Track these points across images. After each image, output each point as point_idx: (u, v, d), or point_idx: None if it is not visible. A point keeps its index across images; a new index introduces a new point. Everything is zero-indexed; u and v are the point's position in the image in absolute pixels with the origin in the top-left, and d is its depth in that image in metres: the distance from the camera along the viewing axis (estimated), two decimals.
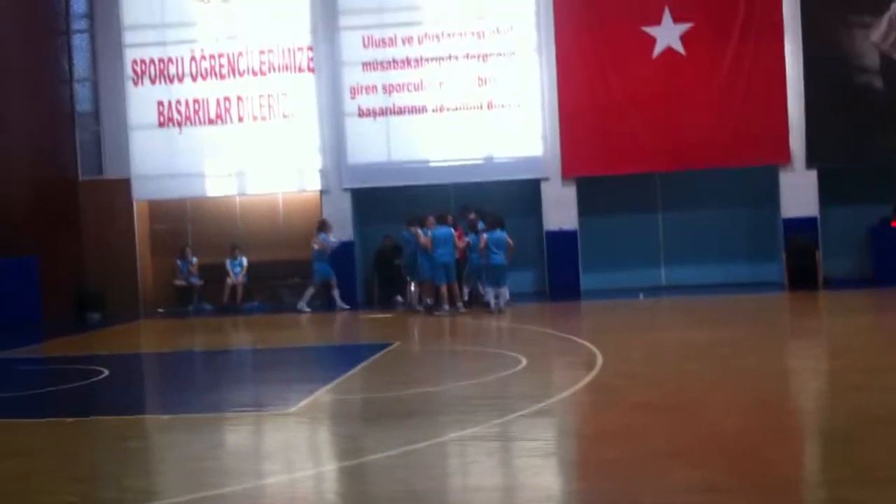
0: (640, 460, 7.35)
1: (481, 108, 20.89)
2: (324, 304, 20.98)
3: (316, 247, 20.13)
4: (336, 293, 20.25)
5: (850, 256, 20.60)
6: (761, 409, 9.02)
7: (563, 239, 20.72)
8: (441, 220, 18.52)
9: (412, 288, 19.45)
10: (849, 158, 20.08)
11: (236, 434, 9.32)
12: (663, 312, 18.22)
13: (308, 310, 19.97)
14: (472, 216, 19.12)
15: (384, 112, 21.15)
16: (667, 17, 20.33)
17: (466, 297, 18.96)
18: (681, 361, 11.76)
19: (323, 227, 20.29)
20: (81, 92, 22.57)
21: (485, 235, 18.16)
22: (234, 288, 21.51)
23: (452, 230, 18.45)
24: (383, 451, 7.96)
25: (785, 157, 20.22)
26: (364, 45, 21.15)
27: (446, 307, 18.17)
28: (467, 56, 20.90)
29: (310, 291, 20.16)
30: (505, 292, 18.22)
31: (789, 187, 20.28)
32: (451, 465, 7.83)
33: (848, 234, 20.58)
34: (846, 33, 19.95)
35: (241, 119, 21.61)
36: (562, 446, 8.32)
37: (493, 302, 18.03)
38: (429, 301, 18.60)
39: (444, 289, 18.26)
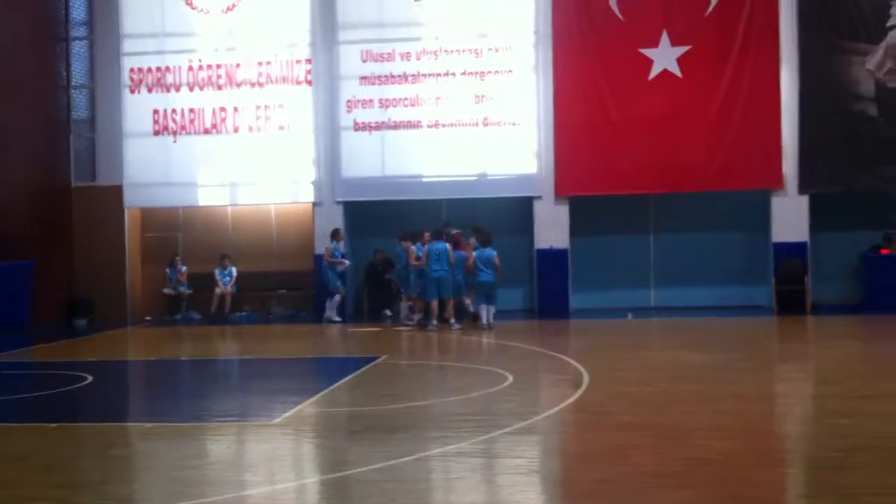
0: (626, 480, 7.32)
1: (477, 125, 20.90)
2: (311, 314, 20.97)
3: (325, 255, 20.16)
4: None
5: (841, 282, 20.59)
6: (748, 432, 8.99)
7: (553, 257, 20.69)
8: (437, 236, 18.58)
9: (404, 301, 19.46)
10: (841, 185, 20.11)
11: (219, 444, 9.27)
12: (652, 333, 18.20)
13: (338, 319, 19.83)
14: (456, 233, 19.14)
15: (380, 126, 21.14)
16: (664, 39, 20.39)
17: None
18: (668, 382, 11.73)
19: (334, 235, 20.29)
20: (78, 98, 22.52)
21: (474, 253, 18.24)
22: (222, 297, 21.45)
23: (448, 245, 18.45)
24: (366, 465, 7.93)
25: (778, 182, 20.25)
26: (362, 60, 21.16)
27: (434, 322, 18.13)
28: (464, 73, 20.93)
29: (336, 300, 20.08)
30: (491, 309, 18.26)
31: (781, 212, 20.31)
32: (434, 480, 7.79)
33: (839, 261, 20.59)
34: (842, 60, 20.02)
35: (236, 129, 21.59)
36: (546, 465, 8.29)
37: (483, 318, 18.07)
38: (417, 316, 18.59)
39: (434, 304, 18.25)
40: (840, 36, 20.01)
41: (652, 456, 8.06)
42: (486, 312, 18.10)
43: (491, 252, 18.15)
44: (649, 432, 8.94)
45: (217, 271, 21.45)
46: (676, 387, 11.43)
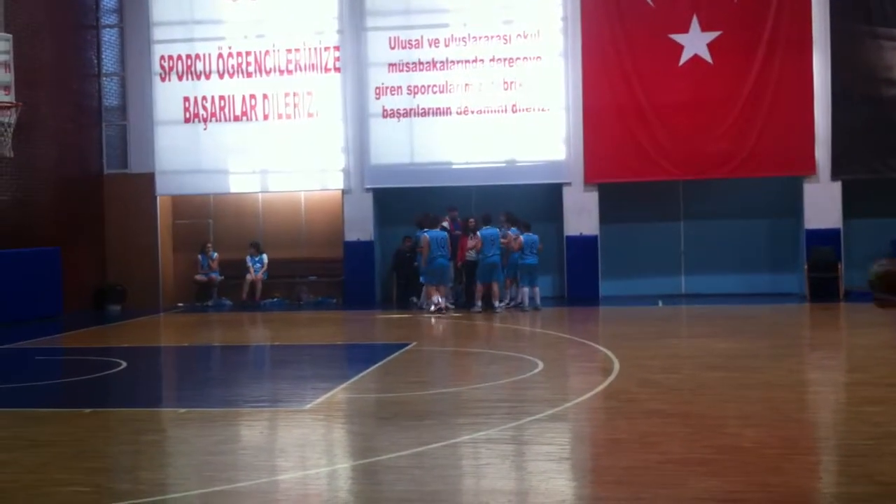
0: (655, 468, 7.33)
1: (505, 111, 20.87)
2: (340, 301, 21.11)
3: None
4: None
5: None
6: (779, 420, 8.95)
7: (583, 244, 20.67)
8: (486, 221, 18.94)
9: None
10: (874, 171, 19.92)
11: (251, 429, 9.36)
12: (682, 321, 18.14)
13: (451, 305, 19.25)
14: (472, 220, 19.41)
15: (408, 113, 21.17)
16: (695, 25, 20.25)
17: (450, 299, 19.33)
18: (698, 370, 11.70)
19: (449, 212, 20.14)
20: (109, 86, 22.69)
21: (521, 237, 18.84)
22: (253, 284, 21.58)
23: (497, 230, 18.80)
24: (397, 451, 7.97)
25: (810, 168, 20.09)
26: (390, 47, 21.18)
27: (478, 304, 18.71)
28: (493, 59, 20.89)
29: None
30: (536, 290, 18.95)
31: (813, 199, 20.14)
32: (464, 466, 7.83)
33: (871, 247, 20.35)
34: (874, 46, 19.80)
35: (266, 117, 21.68)
36: (576, 452, 8.30)
37: (527, 300, 18.84)
38: (430, 301, 18.83)
39: (480, 288, 18.82)
40: (872, 21, 19.79)
41: (681, 444, 8.05)
42: (526, 296, 18.83)
43: (535, 237, 18.88)
44: (678, 420, 8.93)
45: (248, 258, 21.59)
46: (706, 374, 11.40)
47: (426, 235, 18.80)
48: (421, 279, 19.43)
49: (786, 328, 16.42)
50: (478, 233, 18.85)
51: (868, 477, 6.96)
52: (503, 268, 19.05)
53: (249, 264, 21.60)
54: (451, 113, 21.02)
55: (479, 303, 18.81)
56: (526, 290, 18.91)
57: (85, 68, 22.16)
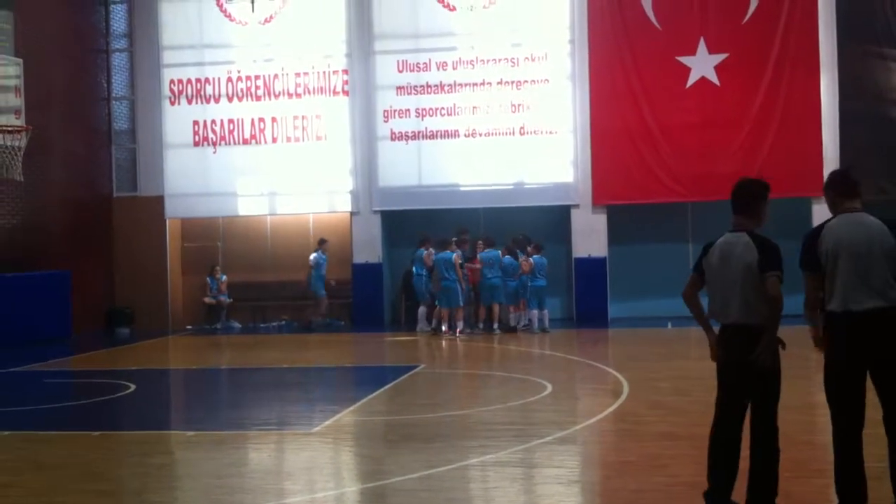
0: (664, 490, 7.31)
1: (513, 133, 20.92)
2: (349, 323, 21.10)
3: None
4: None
5: None
6: (788, 442, 8.86)
7: (591, 266, 20.65)
8: (422, 243, 19.21)
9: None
10: (882, 192, 19.86)
11: (259, 452, 9.36)
12: (691, 342, 18.03)
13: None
14: (479, 242, 19.52)
15: (416, 136, 21.24)
16: (702, 47, 20.30)
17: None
18: (708, 392, 11.58)
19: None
20: (119, 110, 22.84)
21: (531, 259, 18.83)
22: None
23: (424, 252, 19.05)
24: (405, 474, 7.96)
25: (818, 188, 20.01)
26: (398, 70, 21.28)
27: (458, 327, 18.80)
28: (501, 82, 20.96)
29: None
30: (545, 313, 19.04)
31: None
32: (472, 489, 7.81)
33: None
34: (882, 66, 19.82)
35: (274, 140, 21.77)
36: (585, 474, 8.28)
37: (535, 323, 18.83)
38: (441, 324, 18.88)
39: (460, 311, 18.91)
40: (879, 43, 19.82)
41: (690, 466, 8.01)
42: (535, 318, 18.85)
43: (545, 260, 19.01)
44: (688, 442, 8.89)
45: (315, 255, 21.09)
46: (715, 397, 11.32)
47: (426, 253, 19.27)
48: (436, 302, 19.35)
49: (795, 349, 16.15)
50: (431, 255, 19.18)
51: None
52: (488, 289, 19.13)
53: (314, 261, 21.01)
54: (458, 135, 21.08)
55: (444, 326, 18.76)
56: (535, 312, 18.92)
57: (95, 92, 22.31)
